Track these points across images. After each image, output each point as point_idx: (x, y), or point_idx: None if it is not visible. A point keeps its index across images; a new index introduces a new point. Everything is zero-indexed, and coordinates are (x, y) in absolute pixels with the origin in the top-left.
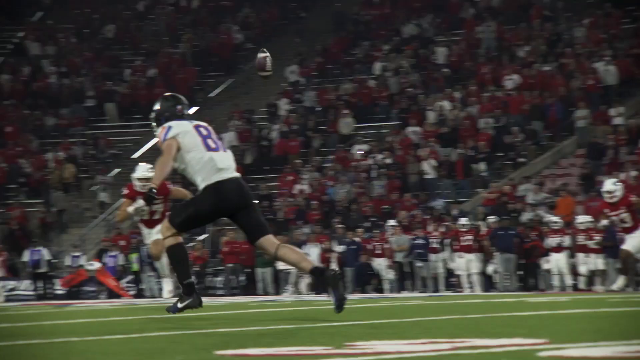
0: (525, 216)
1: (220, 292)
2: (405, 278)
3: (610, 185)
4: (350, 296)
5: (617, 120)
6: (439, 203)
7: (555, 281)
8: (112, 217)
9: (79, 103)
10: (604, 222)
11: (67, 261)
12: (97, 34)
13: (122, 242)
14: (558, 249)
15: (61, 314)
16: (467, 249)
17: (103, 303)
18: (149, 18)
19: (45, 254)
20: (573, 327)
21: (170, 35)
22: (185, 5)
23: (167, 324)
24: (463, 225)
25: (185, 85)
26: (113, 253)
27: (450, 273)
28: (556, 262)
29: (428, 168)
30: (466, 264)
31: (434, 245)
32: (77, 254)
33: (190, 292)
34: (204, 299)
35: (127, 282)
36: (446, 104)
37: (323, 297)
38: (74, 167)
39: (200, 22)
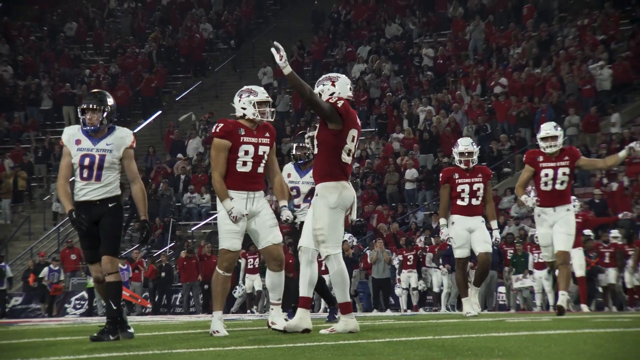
0: (508, 230)
1: (179, 310)
2: (379, 295)
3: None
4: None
5: (613, 129)
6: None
7: (538, 300)
8: (65, 229)
9: (34, 106)
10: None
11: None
12: (56, 31)
13: (73, 257)
14: (542, 265)
15: (7, 334)
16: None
17: (50, 321)
18: (114, 15)
19: (8, 270)
20: (553, 349)
21: (136, 33)
22: (152, 2)
23: (118, 343)
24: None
25: (151, 87)
26: (56, 267)
27: (425, 291)
28: (539, 279)
29: (408, 178)
30: (454, 280)
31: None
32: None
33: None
34: (163, 317)
35: (77, 299)
36: (429, 110)
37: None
38: (26, 175)
39: (169, 20)
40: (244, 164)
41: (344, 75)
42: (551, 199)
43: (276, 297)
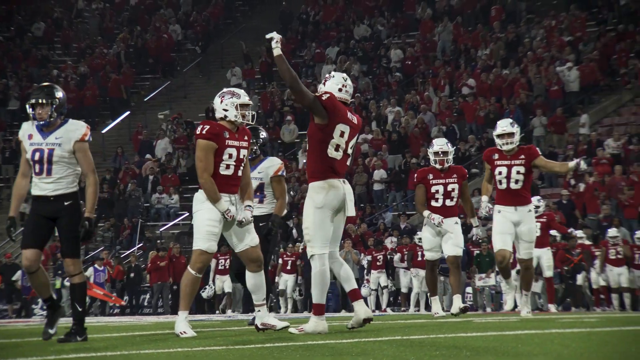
0: (476, 231)
1: (147, 310)
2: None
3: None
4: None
5: (582, 129)
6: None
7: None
8: None
9: (1, 106)
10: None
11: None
12: (24, 31)
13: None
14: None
15: None
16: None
17: (17, 322)
18: (82, 15)
19: None
20: (521, 349)
21: (104, 34)
22: (120, 2)
23: (86, 344)
24: (421, 239)
25: (119, 87)
26: None
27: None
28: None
29: (377, 178)
30: (423, 281)
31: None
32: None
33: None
34: (131, 318)
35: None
36: (398, 110)
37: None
38: None
39: (137, 21)
40: (227, 167)
41: (338, 75)
42: (510, 198)
43: (260, 298)
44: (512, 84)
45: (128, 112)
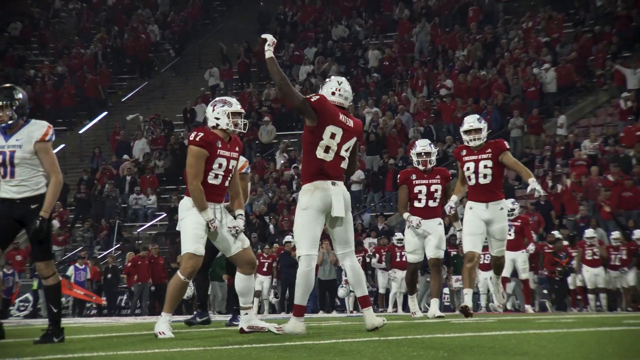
0: (452, 232)
1: (125, 311)
2: (325, 297)
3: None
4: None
5: (560, 130)
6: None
7: (482, 301)
8: None
9: None
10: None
11: None
12: (0, 31)
13: (18, 258)
14: (487, 266)
15: None
16: (404, 266)
17: None
18: (59, 15)
19: None
20: (497, 350)
21: (81, 34)
22: (98, 2)
23: (63, 346)
24: (399, 240)
25: (96, 88)
26: (9, 271)
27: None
28: (484, 280)
29: (355, 179)
30: (401, 282)
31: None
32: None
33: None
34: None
35: (20, 301)
36: (375, 111)
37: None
38: None
39: (115, 21)
40: (216, 176)
41: (334, 79)
42: (480, 194)
43: (249, 301)
44: (490, 85)
45: (106, 113)
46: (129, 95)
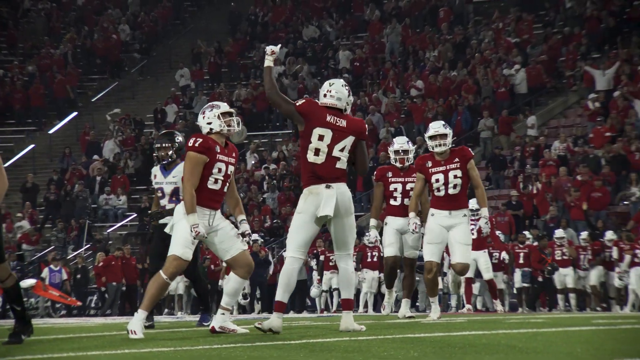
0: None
1: (94, 312)
2: (296, 297)
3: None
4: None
5: (531, 131)
6: None
7: (453, 301)
8: None
9: None
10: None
11: None
12: None
13: None
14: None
15: None
16: (374, 266)
17: None
18: (28, 15)
19: None
20: (468, 349)
21: (51, 34)
22: (67, 2)
23: (32, 347)
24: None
25: (65, 88)
26: None
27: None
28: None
29: None
30: (372, 282)
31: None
32: None
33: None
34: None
35: None
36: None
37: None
38: None
39: (85, 21)
40: (215, 181)
41: (327, 82)
42: (447, 203)
43: (231, 303)
44: (460, 86)
45: (75, 113)
46: (99, 96)
